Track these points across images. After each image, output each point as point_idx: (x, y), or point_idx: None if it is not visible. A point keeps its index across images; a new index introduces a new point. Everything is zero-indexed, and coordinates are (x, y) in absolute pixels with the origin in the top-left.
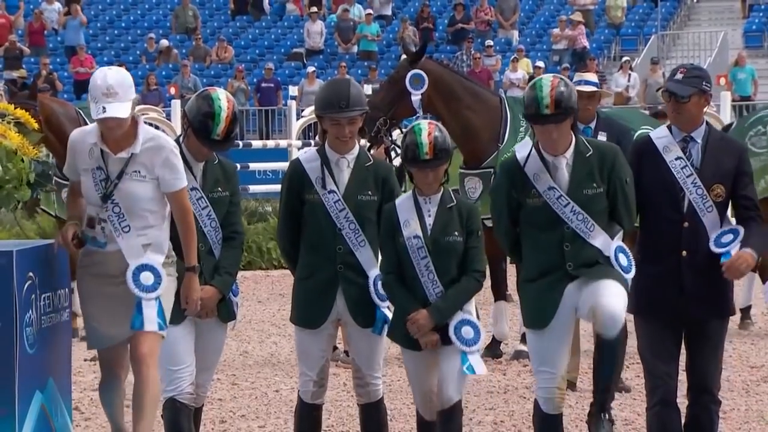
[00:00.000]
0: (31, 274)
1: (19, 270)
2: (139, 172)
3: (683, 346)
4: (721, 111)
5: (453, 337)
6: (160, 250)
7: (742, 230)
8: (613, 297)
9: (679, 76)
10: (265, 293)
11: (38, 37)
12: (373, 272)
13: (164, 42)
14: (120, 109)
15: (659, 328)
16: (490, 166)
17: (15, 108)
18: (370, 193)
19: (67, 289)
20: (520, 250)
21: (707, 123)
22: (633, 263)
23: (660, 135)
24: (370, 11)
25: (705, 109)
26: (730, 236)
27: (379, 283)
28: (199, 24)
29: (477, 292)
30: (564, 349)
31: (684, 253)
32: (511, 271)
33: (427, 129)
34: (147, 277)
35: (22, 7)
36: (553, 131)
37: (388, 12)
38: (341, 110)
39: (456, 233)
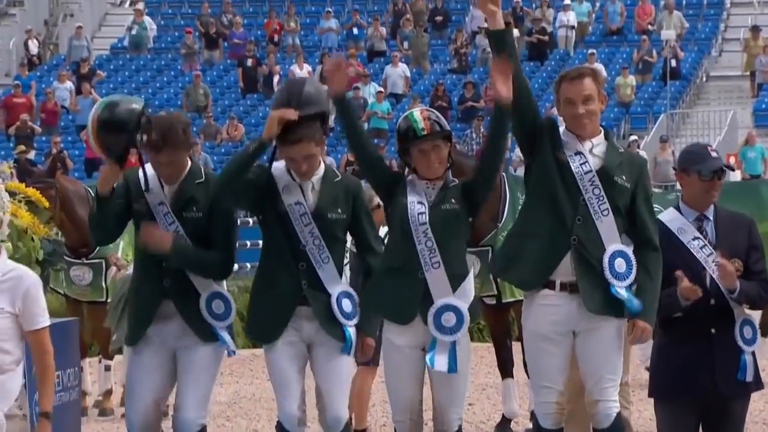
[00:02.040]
0: None
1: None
2: None
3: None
4: None
5: (430, 321)
6: (6, 400)
7: (633, 259)
8: (609, 388)
9: (715, 155)
10: None
11: (50, 116)
12: (336, 290)
13: None
14: None
15: (683, 412)
16: (488, 244)
17: (27, 186)
18: (339, 211)
19: (76, 368)
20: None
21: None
22: (632, 271)
23: (671, 217)
24: (381, 90)
25: None
26: (623, 264)
27: (344, 301)
28: (209, 102)
29: None
30: (563, 364)
31: (713, 330)
32: (516, 348)
33: (419, 111)
34: None
35: (34, 86)
36: (579, 95)
37: (400, 90)
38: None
39: (453, 201)
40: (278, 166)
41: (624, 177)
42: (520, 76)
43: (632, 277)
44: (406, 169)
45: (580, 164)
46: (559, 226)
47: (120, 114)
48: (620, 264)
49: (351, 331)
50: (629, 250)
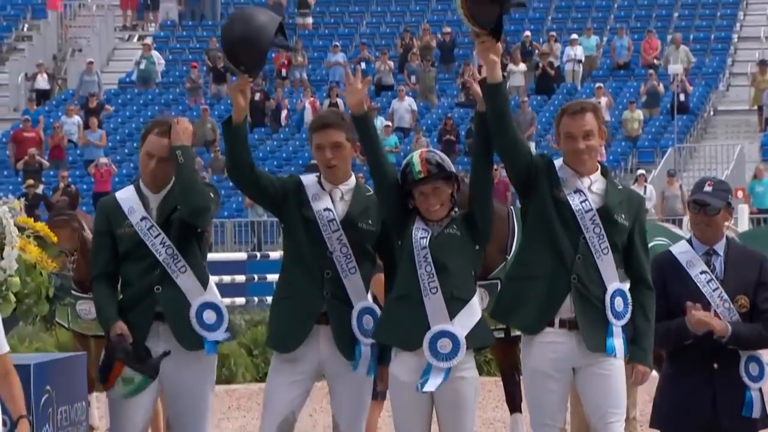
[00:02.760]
0: (48, 387)
1: (36, 384)
2: None
3: None
4: (739, 224)
5: (426, 346)
6: None
7: (629, 297)
8: (613, 423)
9: (708, 188)
10: None
11: (58, 150)
12: (360, 304)
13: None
14: None
15: None
16: (496, 277)
17: (50, 218)
18: (370, 222)
19: (83, 403)
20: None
21: (726, 235)
22: (629, 309)
23: (682, 250)
24: (389, 123)
25: (726, 223)
26: (621, 303)
27: (365, 317)
28: (217, 137)
29: None
30: (563, 401)
31: (716, 365)
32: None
33: (419, 152)
34: None
35: (42, 120)
36: (580, 130)
37: (407, 124)
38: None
39: (455, 227)
40: (309, 176)
41: (624, 215)
42: (511, 124)
43: (628, 315)
44: None
45: (581, 202)
46: (559, 266)
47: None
48: (619, 303)
49: (365, 350)
50: (626, 288)
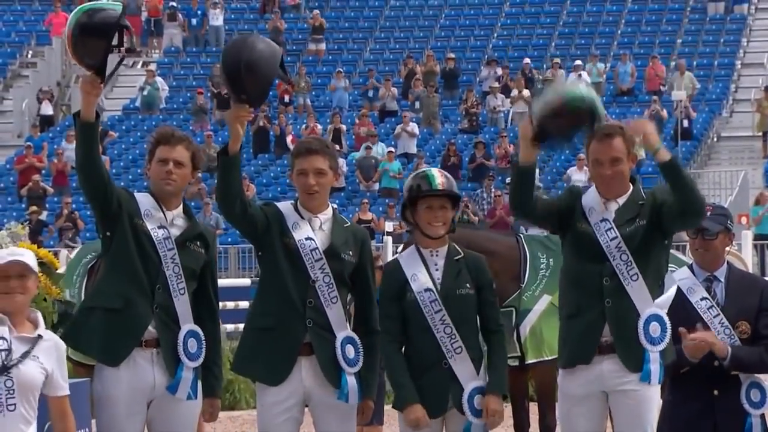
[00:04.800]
0: None
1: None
2: (38, 358)
3: None
4: (743, 250)
5: (466, 407)
6: None
7: (667, 322)
8: None
9: (707, 213)
10: None
11: (62, 176)
12: (342, 333)
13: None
14: None
15: None
16: (511, 305)
17: (46, 247)
18: (350, 253)
19: (87, 429)
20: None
21: (728, 261)
22: (667, 333)
23: (683, 276)
24: (392, 149)
25: (727, 249)
26: (658, 329)
27: (347, 347)
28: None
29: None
30: (592, 425)
31: (716, 392)
32: (533, 409)
33: (437, 170)
34: None
35: (46, 146)
36: (607, 156)
37: (412, 150)
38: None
39: (468, 285)
40: (285, 204)
41: (638, 218)
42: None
43: (666, 340)
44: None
45: (605, 231)
46: (591, 295)
47: (100, 18)
48: (654, 328)
49: (350, 379)
50: (663, 313)
